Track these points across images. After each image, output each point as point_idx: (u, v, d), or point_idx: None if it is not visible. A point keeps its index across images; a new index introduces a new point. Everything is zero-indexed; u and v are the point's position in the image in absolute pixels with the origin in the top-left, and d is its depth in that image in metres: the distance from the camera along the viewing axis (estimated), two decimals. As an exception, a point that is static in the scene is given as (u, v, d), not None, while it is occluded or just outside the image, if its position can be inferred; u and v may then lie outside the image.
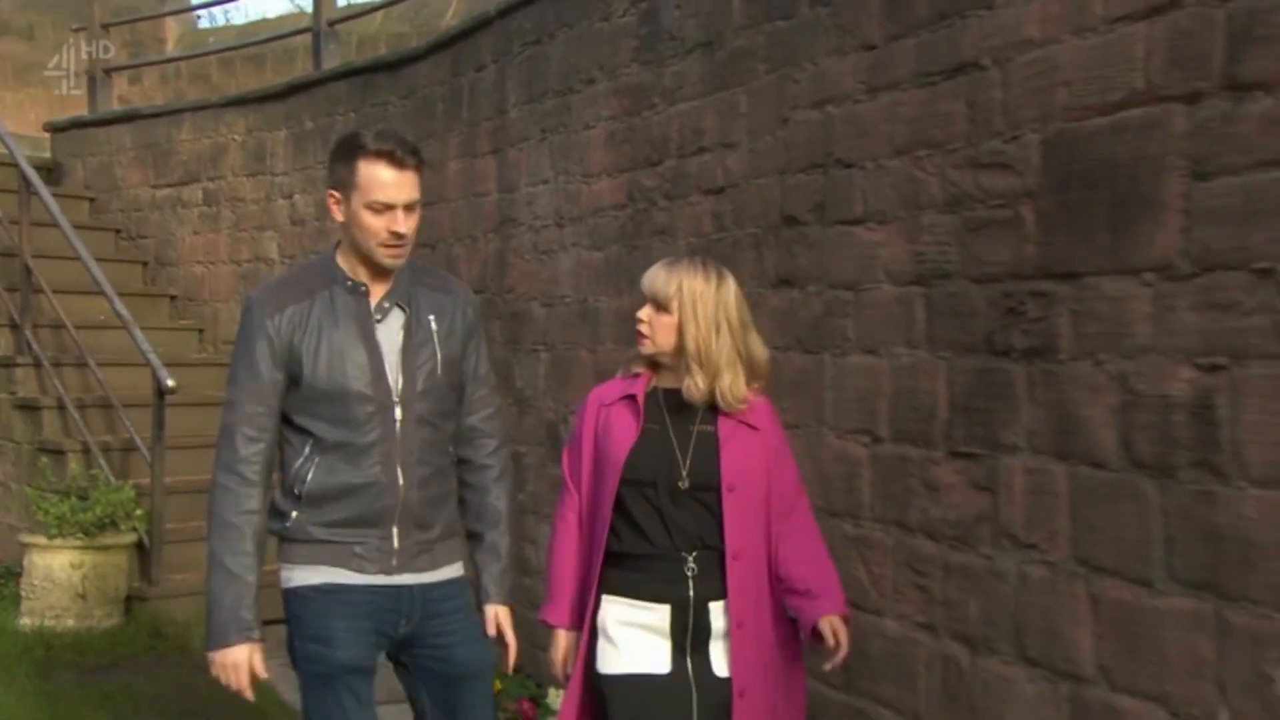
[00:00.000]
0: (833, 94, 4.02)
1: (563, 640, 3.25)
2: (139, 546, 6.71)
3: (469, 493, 3.27)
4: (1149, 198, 2.96)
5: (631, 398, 3.18)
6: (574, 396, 5.34)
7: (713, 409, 3.12)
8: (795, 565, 3.12)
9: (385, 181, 2.99)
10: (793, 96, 4.21)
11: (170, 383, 6.55)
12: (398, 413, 3.05)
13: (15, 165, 7.85)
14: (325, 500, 3.02)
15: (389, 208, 3.00)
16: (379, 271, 3.09)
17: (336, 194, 3.07)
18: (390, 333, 3.09)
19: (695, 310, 3.07)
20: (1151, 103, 2.96)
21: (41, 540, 6.37)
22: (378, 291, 3.10)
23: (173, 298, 8.94)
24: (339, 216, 3.08)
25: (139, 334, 6.87)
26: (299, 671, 3.09)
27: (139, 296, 8.60)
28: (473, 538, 3.28)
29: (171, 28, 13.42)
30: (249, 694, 3.02)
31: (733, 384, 3.09)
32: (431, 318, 3.12)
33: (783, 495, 3.16)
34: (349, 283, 3.08)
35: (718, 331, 3.08)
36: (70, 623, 6.28)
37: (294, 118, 8.02)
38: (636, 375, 3.22)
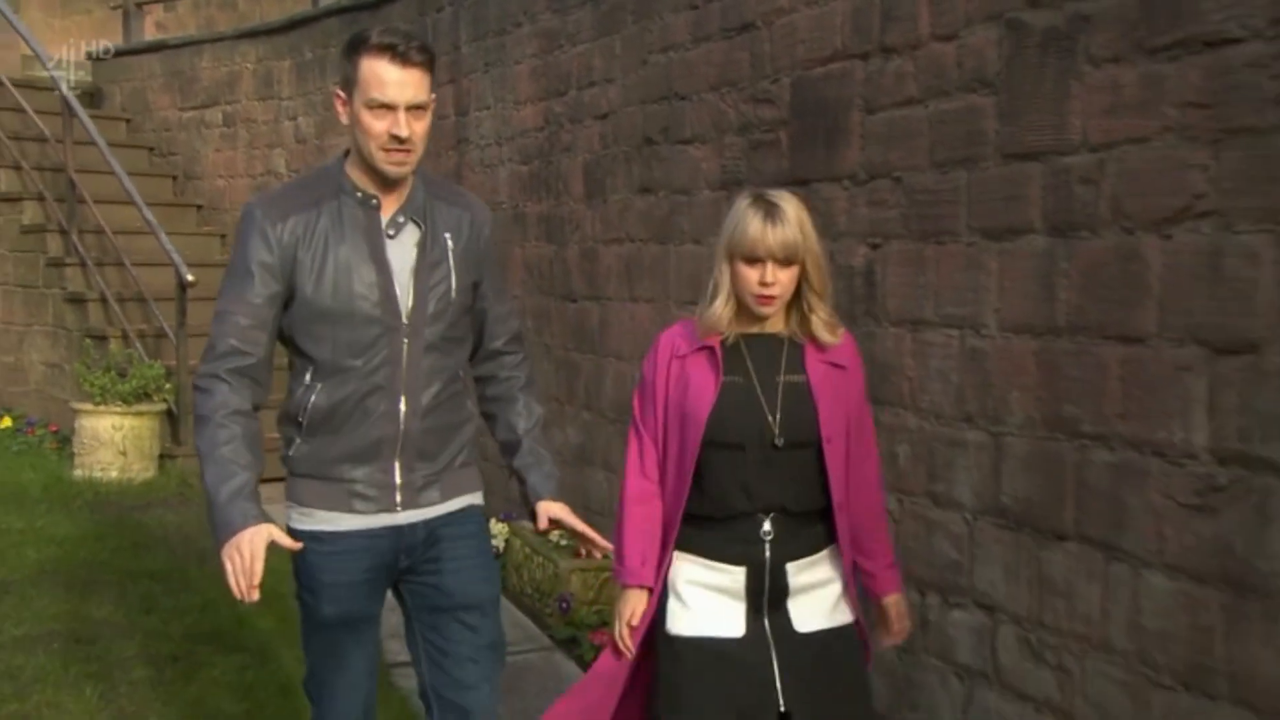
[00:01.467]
0: (672, 42, 5.22)
1: (633, 598, 2.93)
2: (169, 414, 8.11)
3: (495, 406, 3.03)
4: (843, 127, 4.17)
5: (709, 349, 2.87)
6: (508, 284, 6.59)
7: (798, 349, 2.87)
8: (862, 526, 2.94)
9: (386, 79, 2.65)
10: (649, 43, 5.40)
11: (190, 278, 7.88)
12: (405, 337, 2.76)
13: (56, 89, 9.14)
14: (325, 429, 2.76)
15: (389, 108, 2.67)
16: (388, 183, 2.77)
17: (342, 94, 2.76)
18: (403, 250, 2.79)
19: (813, 247, 2.81)
20: (844, 59, 4.15)
21: (88, 407, 7.77)
22: (390, 205, 2.79)
23: (199, 207, 10.27)
24: (344, 119, 2.77)
25: (165, 238, 8.20)
26: (301, 624, 2.92)
27: (169, 206, 9.92)
28: (507, 450, 3.02)
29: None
30: (257, 578, 2.60)
31: (832, 311, 2.89)
32: (448, 235, 2.83)
33: (860, 439, 2.94)
34: (359, 194, 2.76)
35: (824, 259, 2.87)
36: (114, 474, 7.70)
37: (296, 49, 9.26)
38: (720, 333, 2.88)
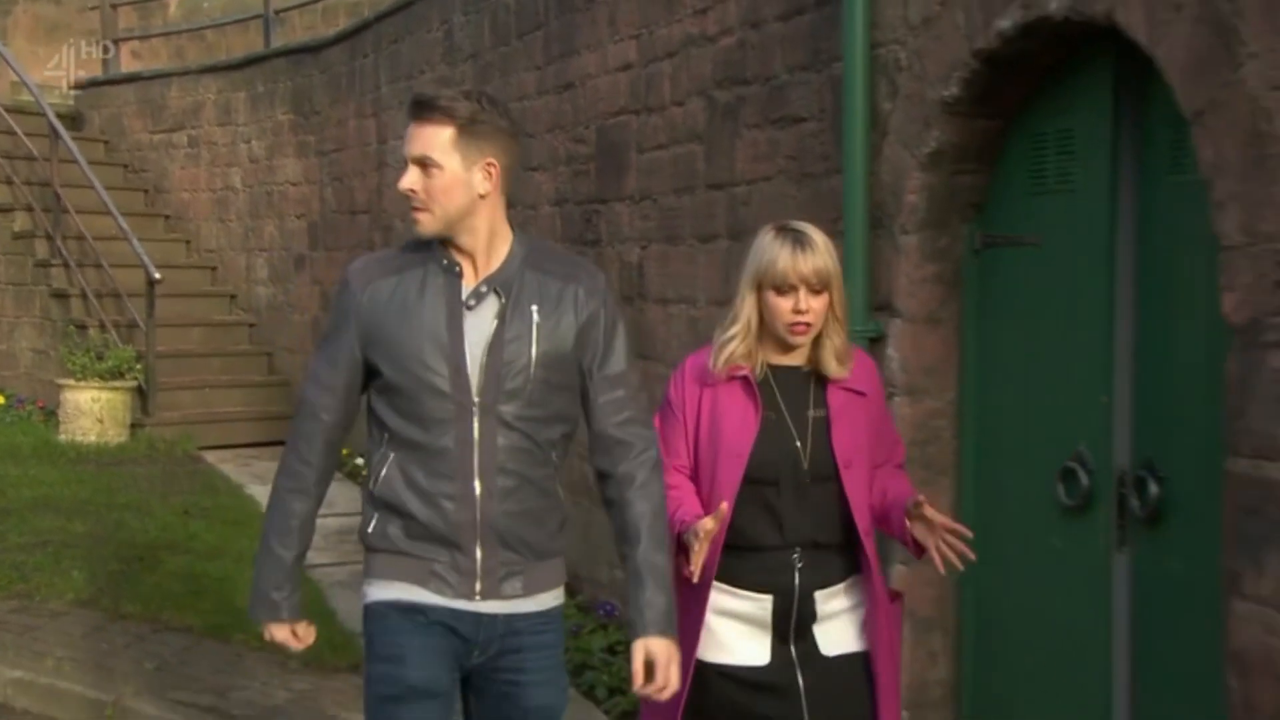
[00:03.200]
0: (524, 94, 6.84)
1: (704, 527, 2.76)
2: (139, 390, 9.67)
3: (610, 509, 2.78)
4: (626, 162, 5.79)
5: (745, 380, 2.87)
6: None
7: (823, 382, 2.89)
8: (883, 487, 2.96)
9: (405, 136, 2.65)
10: (509, 93, 7.02)
11: (157, 276, 9.47)
12: (477, 414, 2.62)
13: (43, 114, 10.69)
14: (398, 506, 2.66)
15: (404, 162, 2.65)
16: (470, 254, 2.66)
17: None
18: (481, 322, 2.65)
19: (840, 278, 2.85)
20: (626, 114, 5.78)
21: (71, 382, 9.33)
22: (474, 274, 2.67)
23: (167, 217, 11.83)
24: None
25: (136, 243, 9.77)
26: (367, 698, 2.78)
27: (141, 216, 11.47)
28: (623, 560, 2.78)
29: (172, -7, 16.17)
30: (295, 643, 2.82)
31: (845, 342, 2.90)
32: (535, 307, 2.66)
33: (885, 457, 3.01)
34: (444, 261, 2.66)
35: (844, 290, 2.88)
36: (92, 438, 9.25)
37: (250, 83, 10.85)
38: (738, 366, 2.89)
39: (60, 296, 10.53)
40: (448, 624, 2.68)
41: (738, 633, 2.87)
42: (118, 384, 9.46)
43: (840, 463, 2.84)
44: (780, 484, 2.84)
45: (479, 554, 2.66)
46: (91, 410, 9.31)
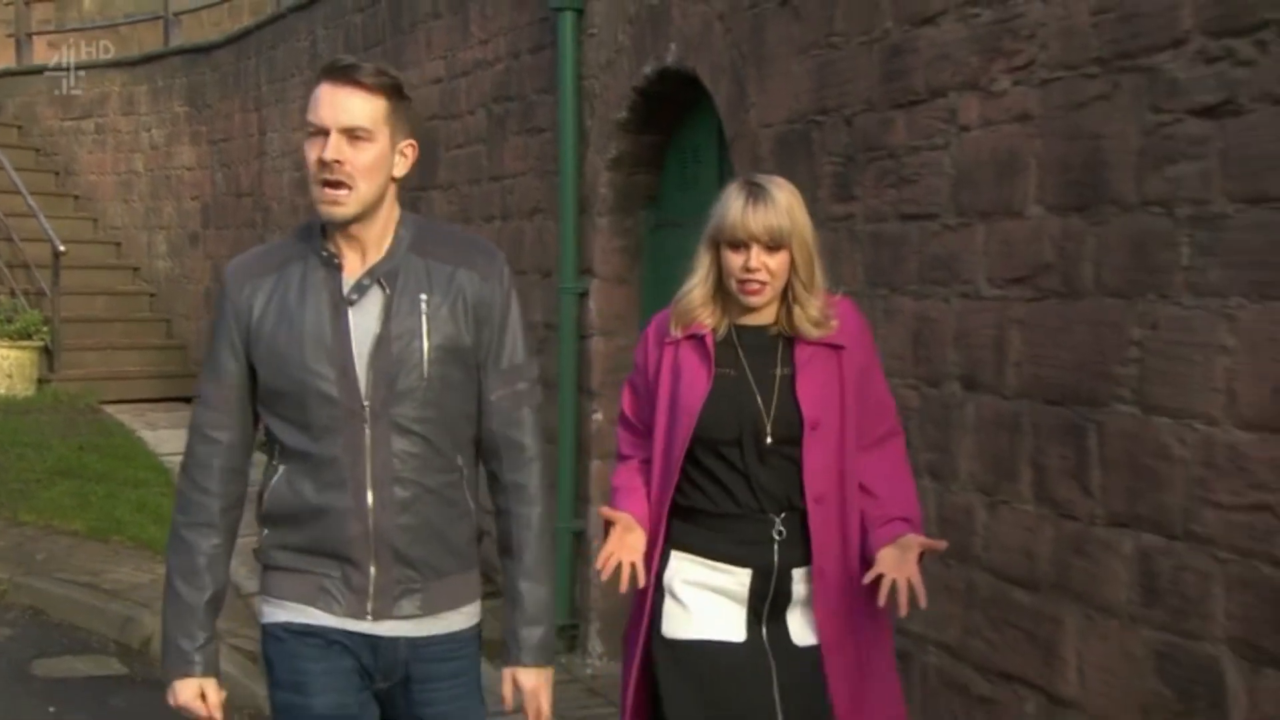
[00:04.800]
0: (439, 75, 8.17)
1: (620, 520, 2.70)
2: (45, 350, 10.89)
3: (496, 517, 2.55)
4: (437, 158, 7.16)
5: (700, 339, 2.71)
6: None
7: (791, 341, 2.70)
8: (872, 489, 2.72)
9: (320, 99, 2.32)
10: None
11: (62, 248, 10.71)
12: (368, 420, 2.37)
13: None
14: (285, 520, 2.44)
15: (323, 132, 2.31)
16: (357, 241, 2.38)
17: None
18: (365, 318, 2.38)
19: (804, 235, 2.65)
20: (438, 119, 7.15)
21: (-16, 342, 10.58)
22: (356, 265, 2.40)
23: (76, 197, 13.02)
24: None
25: (43, 219, 11.01)
26: None
27: (52, 195, 12.65)
28: (501, 572, 2.57)
29: (86, -14, 17.28)
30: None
31: (822, 304, 2.69)
32: (424, 296, 2.39)
33: (869, 421, 2.74)
34: (324, 253, 2.39)
35: (815, 250, 2.69)
36: (2, 391, 10.47)
37: (151, 78, 12.08)
38: (697, 322, 2.73)
39: (-26, 268, 11.72)
40: (345, 644, 2.44)
41: (711, 605, 2.69)
42: (25, 344, 10.69)
43: (807, 422, 2.63)
44: (742, 444, 2.66)
45: (372, 570, 2.40)
46: (2, 368, 10.53)
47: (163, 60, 11.91)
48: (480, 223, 6.62)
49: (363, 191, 2.33)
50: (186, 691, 2.47)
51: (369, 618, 2.43)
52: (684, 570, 2.72)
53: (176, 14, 12.14)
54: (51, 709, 4.96)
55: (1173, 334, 2.78)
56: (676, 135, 5.17)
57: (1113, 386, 2.91)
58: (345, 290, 2.39)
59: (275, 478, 2.45)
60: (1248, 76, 2.60)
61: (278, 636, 2.49)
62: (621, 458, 2.88)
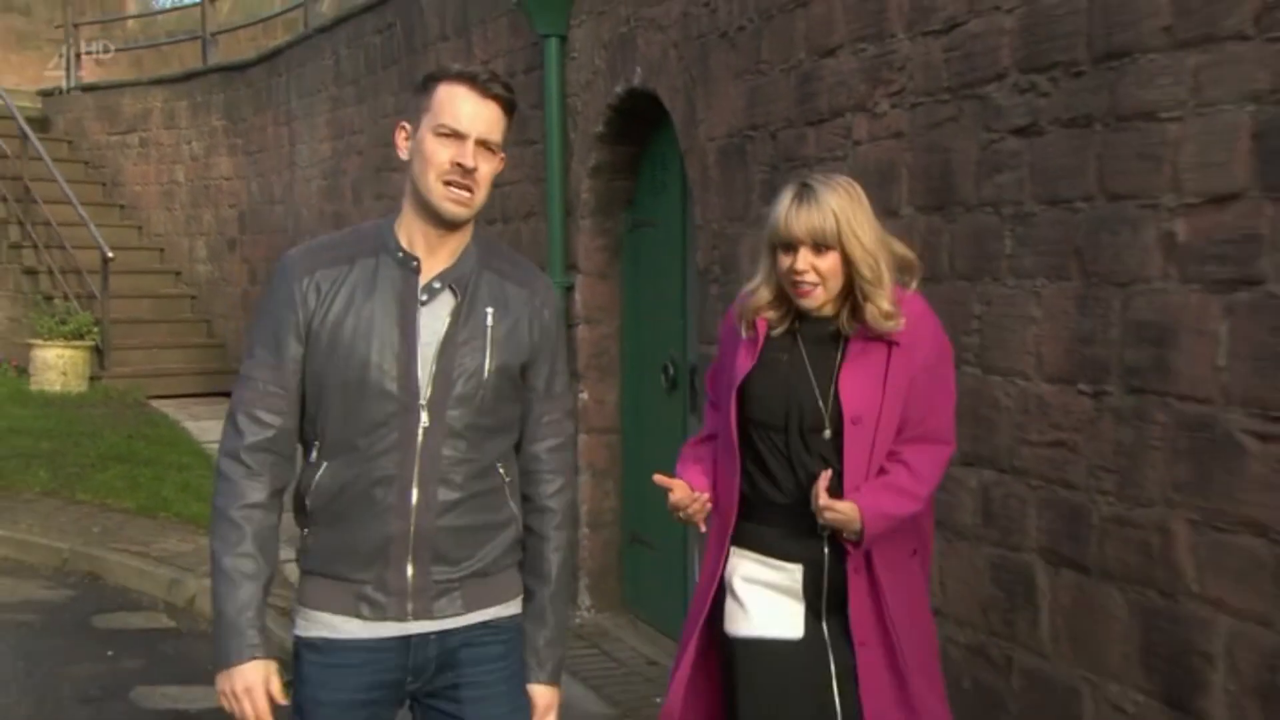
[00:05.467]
0: (384, 112, 8.92)
1: (681, 490, 2.80)
2: (96, 349, 11.73)
3: (526, 536, 2.58)
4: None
5: (756, 330, 2.77)
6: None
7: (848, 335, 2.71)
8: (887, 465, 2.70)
9: (461, 105, 2.38)
10: (378, 110, 9.10)
11: (110, 254, 11.54)
12: (424, 418, 2.40)
13: (13, 118, 12.73)
14: (330, 518, 2.44)
15: (459, 136, 2.37)
16: (439, 244, 2.43)
17: (407, 126, 2.45)
18: (434, 320, 2.43)
19: (858, 234, 2.65)
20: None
21: (40, 342, 11.40)
22: (431, 269, 2.44)
23: (121, 206, 13.87)
24: (403, 153, 2.45)
25: (93, 228, 11.85)
26: None
27: (99, 205, 13.50)
28: (527, 591, 2.59)
29: (131, 7, 18.19)
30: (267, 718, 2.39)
31: (891, 297, 2.68)
32: (490, 310, 2.45)
33: (916, 415, 2.70)
34: (400, 253, 2.43)
35: (880, 247, 2.69)
36: (58, 387, 11.32)
37: (190, 94, 12.90)
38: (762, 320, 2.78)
39: (30, 273, 12.58)
40: (371, 660, 2.45)
41: (767, 602, 2.73)
42: (78, 344, 11.52)
43: (848, 416, 2.65)
44: (788, 431, 2.70)
45: (409, 570, 2.42)
46: (57, 365, 11.38)
47: (201, 77, 12.73)
48: (484, 225, 7.34)
49: (479, 199, 2.43)
50: (253, 674, 2.38)
51: (409, 618, 2.44)
52: (741, 567, 2.76)
53: (213, 34, 12.97)
54: (110, 653, 5.72)
55: (1001, 308, 3.47)
56: (649, 146, 5.87)
57: (962, 352, 3.60)
58: (418, 291, 2.43)
59: (318, 473, 2.45)
60: (1046, 105, 3.29)
61: (304, 655, 2.49)
62: (686, 449, 2.98)
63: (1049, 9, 3.27)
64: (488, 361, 2.44)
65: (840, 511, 2.59)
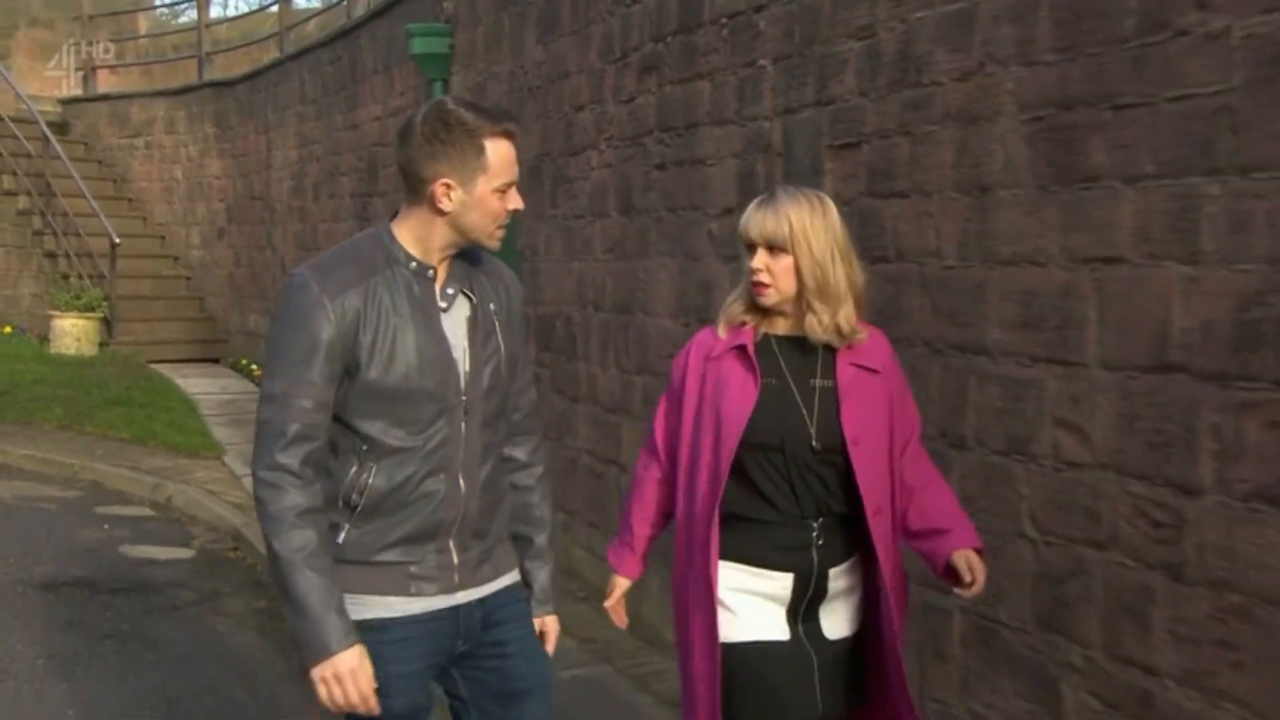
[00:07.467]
0: (334, 128, 11.07)
1: (620, 587, 3.09)
2: (105, 320, 13.93)
3: (516, 494, 2.85)
4: (378, 174, 10.04)
5: (742, 349, 2.86)
6: (305, 257, 12.53)
7: (831, 352, 2.86)
8: (921, 503, 2.92)
9: (510, 160, 2.59)
10: (333, 125, 11.25)
11: (117, 240, 13.76)
12: (464, 414, 2.63)
13: (37, 123, 14.95)
14: (382, 514, 2.61)
15: (512, 186, 2.61)
16: (444, 254, 2.62)
17: (451, 181, 2.54)
18: (455, 324, 2.64)
19: (810, 244, 2.79)
20: (379, 145, 10.03)
21: (58, 313, 13.61)
22: (440, 275, 2.64)
23: (129, 200, 16.09)
24: (447, 206, 2.55)
25: (104, 217, 14.05)
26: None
27: (110, 199, 15.70)
28: (518, 541, 2.87)
29: (143, 22, 20.42)
30: (373, 703, 2.54)
31: (848, 316, 2.83)
32: (492, 306, 2.69)
33: (904, 438, 2.93)
34: (414, 264, 2.59)
35: (833, 261, 2.81)
36: (73, 351, 13.51)
37: (188, 105, 15.11)
38: (743, 324, 2.90)
39: (50, 255, 14.82)
40: (426, 630, 2.65)
41: (758, 609, 2.88)
42: (90, 315, 13.73)
43: (849, 438, 2.81)
44: (786, 451, 2.83)
45: (453, 546, 2.66)
46: (72, 333, 13.59)
47: (196, 91, 14.96)
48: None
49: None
50: (354, 658, 2.50)
51: (457, 589, 2.67)
52: (730, 579, 2.87)
53: (209, 54, 15.19)
54: (106, 527, 7.89)
55: (647, 278, 5.62)
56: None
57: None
58: (438, 298, 2.62)
59: (368, 476, 2.58)
60: (670, 152, 5.45)
61: (371, 639, 2.57)
62: (636, 479, 3.09)
63: (668, 99, 5.42)
64: (503, 352, 2.69)
65: (982, 567, 2.88)
